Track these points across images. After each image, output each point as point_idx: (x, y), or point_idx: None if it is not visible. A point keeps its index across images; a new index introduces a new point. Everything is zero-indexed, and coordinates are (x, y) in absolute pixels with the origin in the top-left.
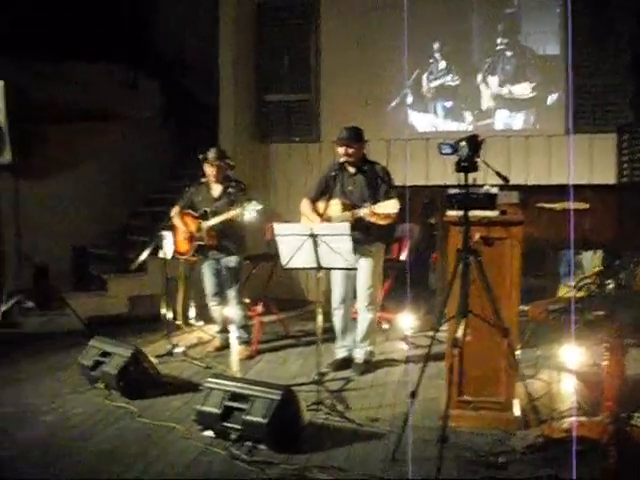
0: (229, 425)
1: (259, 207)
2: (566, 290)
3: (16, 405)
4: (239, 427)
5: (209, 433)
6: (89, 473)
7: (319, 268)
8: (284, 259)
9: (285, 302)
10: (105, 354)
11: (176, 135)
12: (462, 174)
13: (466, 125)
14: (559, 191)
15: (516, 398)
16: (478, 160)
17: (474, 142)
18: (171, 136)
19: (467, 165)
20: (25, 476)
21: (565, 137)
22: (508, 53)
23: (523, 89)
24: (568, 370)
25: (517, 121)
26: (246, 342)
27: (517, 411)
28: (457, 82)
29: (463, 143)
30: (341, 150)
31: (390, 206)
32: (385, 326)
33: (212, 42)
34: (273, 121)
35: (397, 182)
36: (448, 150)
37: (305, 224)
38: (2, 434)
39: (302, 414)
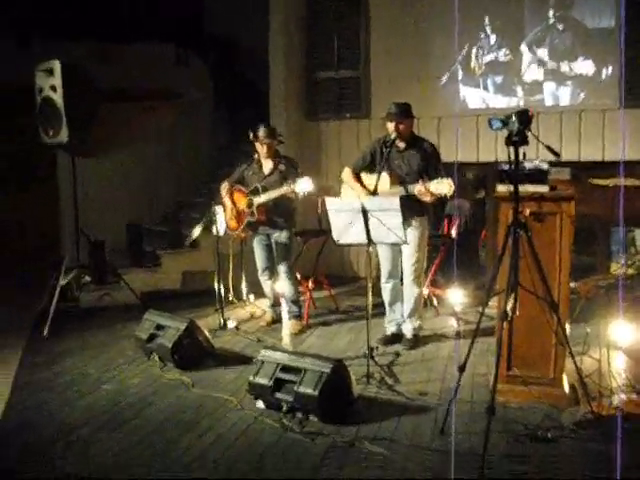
0: (280, 397)
1: (310, 184)
2: (617, 267)
3: (77, 374)
4: (290, 399)
5: (261, 404)
6: (147, 439)
7: (370, 243)
8: (336, 235)
9: (336, 278)
10: (160, 327)
11: (227, 115)
12: (512, 149)
13: (517, 100)
14: (612, 167)
15: (565, 374)
16: (528, 134)
17: (525, 116)
18: (223, 116)
19: (517, 139)
20: (88, 440)
21: (618, 112)
22: (560, 26)
23: (576, 64)
24: (618, 347)
25: (569, 96)
26: (297, 316)
27: (566, 387)
28: (508, 57)
29: (513, 118)
30: (391, 126)
31: (444, 186)
32: (435, 302)
33: (262, 22)
34: (323, 99)
35: (448, 159)
36: (498, 125)
37: (353, 197)
38: (65, 401)
39: (352, 387)
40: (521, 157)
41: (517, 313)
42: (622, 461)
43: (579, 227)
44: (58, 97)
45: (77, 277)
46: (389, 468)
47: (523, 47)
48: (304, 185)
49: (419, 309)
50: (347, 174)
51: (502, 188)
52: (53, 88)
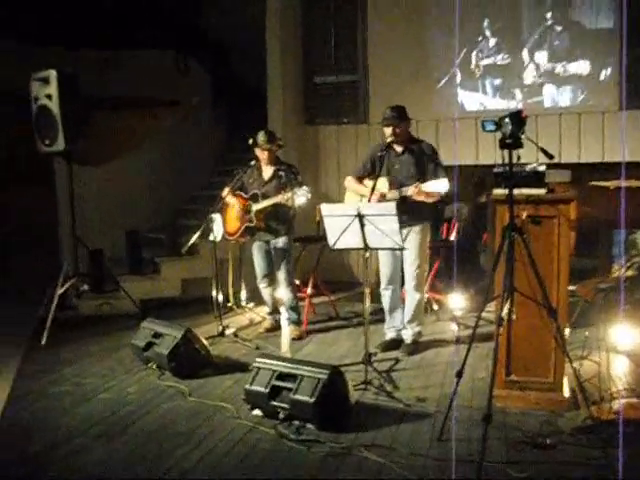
0: (277, 404)
1: (309, 192)
2: (618, 269)
3: (75, 384)
4: (287, 406)
5: (257, 412)
6: (143, 448)
7: (366, 249)
8: (331, 240)
9: (335, 284)
10: (157, 335)
11: (226, 120)
12: (506, 152)
13: (516, 103)
14: (613, 169)
15: (565, 379)
16: (522, 137)
17: (518, 118)
18: (221, 121)
19: (511, 142)
20: (85, 449)
21: (619, 113)
22: (558, 28)
23: (575, 65)
24: (618, 351)
25: (568, 98)
26: (296, 323)
27: (566, 392)
28: (507, 60)
29: (507, 119)
30: (388, 130)
31: (439, 185)
32: (435, 307)
33: (259, 26)
34: (321, 103)
35: (447, 162)
36: (491, 127)
37: (351, 202)
38: (62, 411)
39: (349, 394)
40: (515, 160)
41: (514, 318)
42: (623, 466)
43: (581, 229)
44: (54, 106)
45: (75, 285)
46: (386, 476)
47: (521, 49)
48: (301, 197)
49: (420, 315)
50: (350, 181)
51: (498, 191)
52: (49, 97)
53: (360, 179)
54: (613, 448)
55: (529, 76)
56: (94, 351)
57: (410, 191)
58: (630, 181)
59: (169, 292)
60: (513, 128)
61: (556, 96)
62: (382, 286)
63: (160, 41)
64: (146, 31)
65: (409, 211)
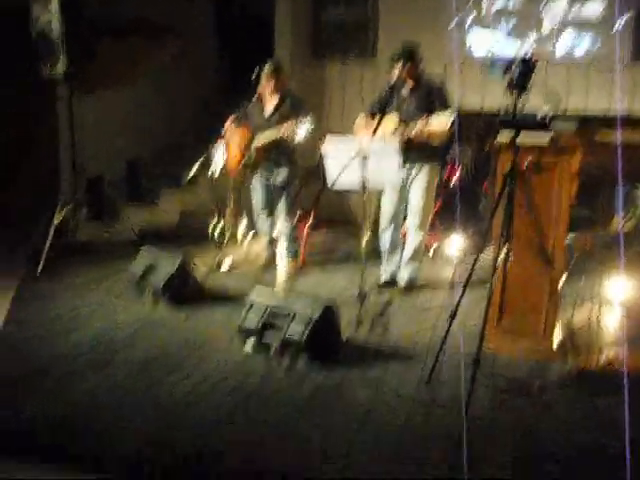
0: (269, 339)
1: (312, 123)
2: (616, 222)
3: (71, 309)
4: (278, 341)
5: (249, 346)
6: (133, 377)
7: (365, 188)
8: (331, 179)
9: (335, 222)
10: (153, 264)
11: (231, 51)
12: (512, 97)
13: (527, 50)
14: (621, 122)
15: (556, 328)
16: (530, 82)
17: (527, 63)
18: (225, 52)
19: (517, 84)
20: (75, 377)
21: (631, 65)
22: None
23: (591, 9)
24: (611, 302)
25: (580, 47)
26: (293, 255)
27: (556, 341)
28: (520, 4)
29: (515, 63)
30: (397, 68)
31: (440, 121)
32: (432, 248)
33: None
34: (329, 37)
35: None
36: (498, 70)
37: (355, 139)
38: (56, 335)
39: (340, 331)
40: (520, 106)
41: (510, 262)
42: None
43: (584, 181)
44: (55, 28)
45: (73, 212)
46: (374, 417)
47: None
48: (305, 126)
49: (419, 257)
50: (359, 120)
51: (501, 137)
52: (49, 20)
53: (372, 115)
54: (599, 397)
55: (542, 22)
56: (91, 278)
57: (413, 131)
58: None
59: (168, 222)
60: (521, 70)
61: (568, 44)
62: (382, 226)
63: None
64: None
65: (419, 150)
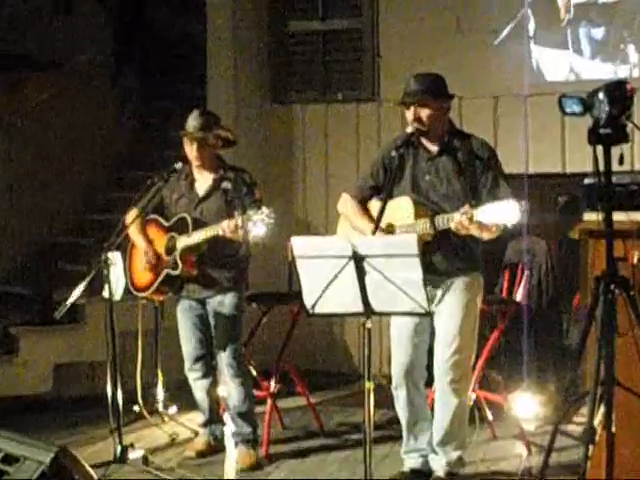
0: None
1: (271, 218)
2: None
3: None
4: None
5: None
6: None
7: (368, 314)
8: (309, 299)
9: (318, 374)
10: (9, 459)
11: (136, 92)
12: (601, 149)
13: (628, 69)
14: None
15: None
16: (627, 123)
17: (619, 93)
18: (128, 94)
19: (608, 132)
20: None
21: None
22: None
23: None
24: None
25: None
26: (250, 441)
27: None
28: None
29: (601, 95)
30: (410, 114)
31: (504, 211)
32: (488, 415)
33: None
34: (301, 67)
35: (510, 169)
36: (575, 107)
37: (345, 237)
38: None
39: None
40: (617, 164)
41: (613, 430)
42: None
43: None
44: None
45: None
46: None
47: None
48: (258, 226)
49: (461, 431)
50: (347, 204)
51: (590, 216)
52: None
53: (364, 201)
54: None
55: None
56: None
57: (453, 221)
58: None
59: (33, 386)
60: (612, 109)
61: None
62: (394, 382)
63: None
64: None
65: (448, 254)
